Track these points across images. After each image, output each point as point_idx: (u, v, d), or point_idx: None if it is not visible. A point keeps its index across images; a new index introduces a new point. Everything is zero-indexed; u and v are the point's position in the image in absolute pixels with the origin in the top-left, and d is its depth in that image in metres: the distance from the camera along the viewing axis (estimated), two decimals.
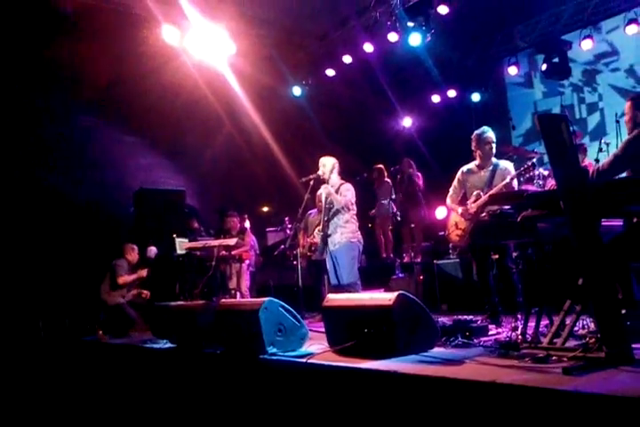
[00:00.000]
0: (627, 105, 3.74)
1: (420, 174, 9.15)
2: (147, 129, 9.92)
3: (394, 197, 9.29)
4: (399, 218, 9.19)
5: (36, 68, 8.79)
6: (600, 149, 6.62)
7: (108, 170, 9.74)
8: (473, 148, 5.22)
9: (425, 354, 3.46)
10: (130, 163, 10.23)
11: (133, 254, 7.53)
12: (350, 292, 5.21)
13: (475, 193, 5.06)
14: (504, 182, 4.83)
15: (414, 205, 8.94)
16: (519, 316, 3.98)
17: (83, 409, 5.35)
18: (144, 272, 7.40)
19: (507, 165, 5.18)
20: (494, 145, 5.15)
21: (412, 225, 8.87)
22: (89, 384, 5.73)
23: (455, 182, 5.36)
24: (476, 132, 5.21)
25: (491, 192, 4.80)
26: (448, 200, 5.41)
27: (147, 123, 9.76)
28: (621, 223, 3.50)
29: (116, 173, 9.88)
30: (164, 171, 10.59)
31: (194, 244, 7.40)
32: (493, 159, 5.20)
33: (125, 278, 7.25)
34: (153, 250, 7.97)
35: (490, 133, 5.13)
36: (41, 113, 9.12)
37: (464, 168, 5.32)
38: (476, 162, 5.23)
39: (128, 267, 7.41)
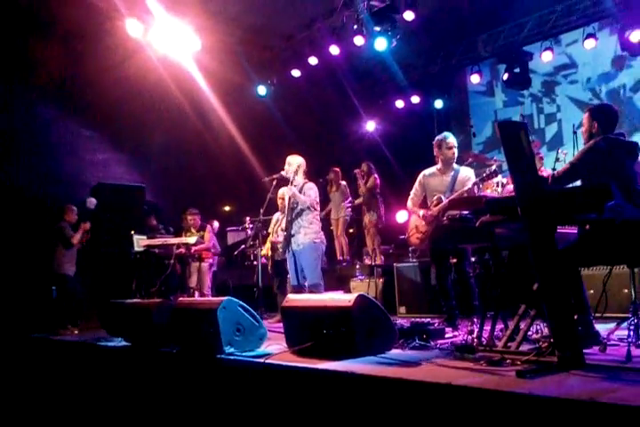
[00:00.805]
0: (584, 116, 3.84)
1: (376, 176, 9.16)
2: (108, 123, 9.74)
3: (349, 199, 9.34)
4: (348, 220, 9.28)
5: None
6: (557, 159, 6.74)
7: (66, 164, 9.53)
8: (435, 153, 5.32)
9: (383, 356, 3.49)
10: (88, 157, 10.03)
11: (72, 215, 7.38)
12: (313, 292, 5.21)
13: (435, 197, 5.13)
14: (466, 188, 4.91)
15: (372, 208, 8.96)
16: (475, 319, 4.05)
17: (33, 408, 5.21)
18: (87, 225, 7.28)
19: (468, 171, 5.28)
20: (456, 150, 5.25)
21: (371, 228, 8.88)
22: (40, 383, 5.59)
23: (416, 185, 5.42)
24: (438, 137, 5.31)
25: (452, 197, 4.88)
26: (409, 203, 5.47)
27: (109, 117, 9.58)
28: (575, 231, 3.60)
29: (74, 167, 9.67)
30: (124, 166, 10.41)
31: (152, 241, 7.31)
32: (454, 165, 5.29)
33: (76, 237, 7.19)
34: (92, 201, 7.98)
35: (451, 139, 5.23)
36: None
37: (426, 171, 5.39)
38: (438, 166, 5.31)
39: (70, 227, 7.31)
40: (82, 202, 8.65)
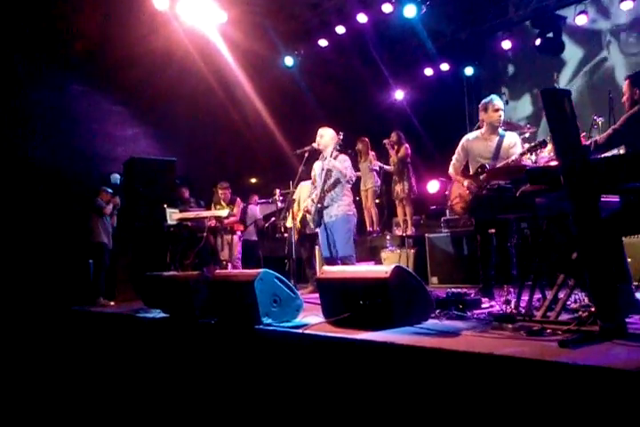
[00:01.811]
0: (625, 84, 3.74)
1: (407, 146, 9.06)
2: (136, 98, 9.77)
3: (378, 169, 9.25)
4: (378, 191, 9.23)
5: (20, 31, 8.57)
6: (592, 125, 6.64)
7: (97, 139, 9.63)
8: (480, 116, 5.05)
9: (420, 326, 3.49)
10: (118, 132, 10.11)
11: (106, 197, 7.85)
12: (346, 264, 5.22)
13: (479, 164, 4.85)
14: (512, 158, 4.63)
15: (403, 178, 8.86)
16: (512, 289, 4.02)
17: (74, 381, 5.37)
18: (116, 199, 7.87)
19: (513, 137, 5.00)
20: (502, 113, 4.97)
21: (403, 198, 8.80)
22: (81, 355, 5.75)
23: (459, 150, 5.14)
24: (484, 100, 5.02)
25: (498, 166, 4.67)
26: (451, 169, 5.20)
27: (136, 91, 9.61)
28: (617, 200, 3.53)
29: (104, 143, 9.77)
30: (153, 140, 10.48)
31: (185, 214, 7.37)
32: (500, 130, 5.02)
33: (108, 208, 7.76)
34: (116, 176, 8.34)
35: (498, 101, 4.95)
36: (24, 78, 8.94)
37: (469, 135, 5.14)
38: (482, 130, 5.05)
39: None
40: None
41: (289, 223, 6.89)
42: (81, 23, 8.55)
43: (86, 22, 8.57)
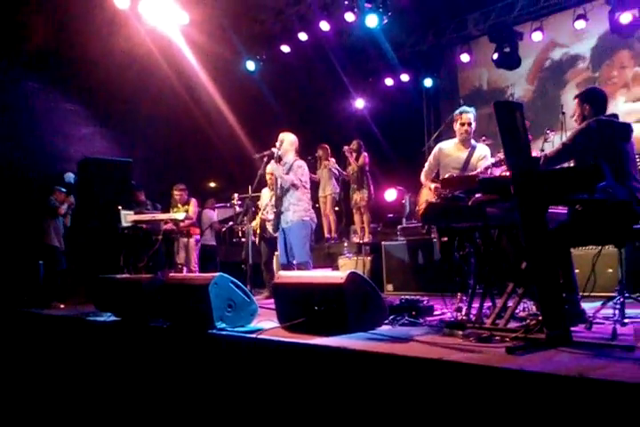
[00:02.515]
0: (575, 103, 3.88)
1: (366, 154, 9.10)
2: (94, 97, 9.62)
3: (337, 173, 9.30)
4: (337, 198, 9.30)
5: None
6: (545, 140, 6.84)
7: (51, 138, 9.41)
8: (454, 127, 5.08)
9: (373, 332, 3.53)
10: (73, 131, 9.91)
11: (60, 196, 7.89)
12: (302, 270, 5.23)
13: (448, 175, 4.86)
14: (477, 171, 4.67)
15: (362, 186, 8.94)
16: (464, 297, 4.10)
17: (21, 383, 5.22)
18: (70, 198, 7.91)
19: (484, 150, 5.05)
20: (474, 124, 4.99)
21: (362, 205, 8.88)
22: (30, 358, 5.59)
23: (431, 158, 5.18)
24: (457, 110, 5.07)
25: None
26: (422, 176, 5.23)
27: (94, 90, 9.45)
28: (565, 211, 3.65)
29: (58, 141, 9.56)
30: (110, 141, 10.32)
31: (140, 216, 7.27)
32: (472, 141, 5.07)
33: (62, 208, 7.81)
34: (70, 175, 8.42)
35: (466, 114, 4.97)
36: None
37: (442, 145, 5.17)
38: (456, 140, 5.08)
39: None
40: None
41: (254, 225, 6.88)
42: (38, 19, 8.36)
43: (44, 18, 8.39)
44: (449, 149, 5.09)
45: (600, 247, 3.46)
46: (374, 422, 2.73)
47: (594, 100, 3.76)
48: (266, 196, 6.88)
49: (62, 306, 6.86)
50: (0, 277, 7.74)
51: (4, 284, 7.61)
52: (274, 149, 5.69)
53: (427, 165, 5.22)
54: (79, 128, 10.03)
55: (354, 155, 9.04)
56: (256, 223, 6.84)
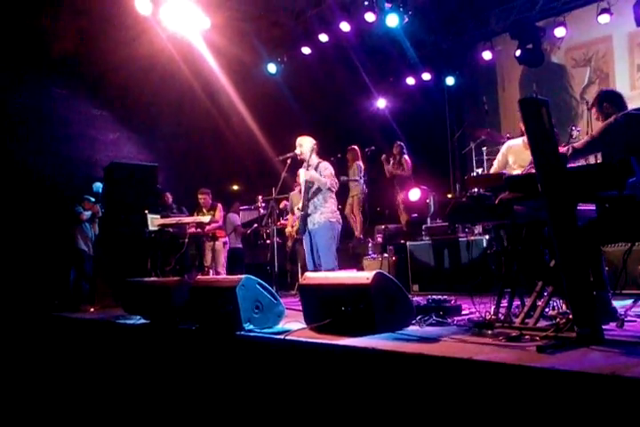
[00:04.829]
0: (593, 111, 3.86)
1: (407, 158, 9.23)
2: (118, 102, 9.74)
3: (364, 178, 9.32)
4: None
5: (3, 37, 8.51)
6: (571, 136, 6.74)
7: (78, 143, 9.56)
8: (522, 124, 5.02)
9: (401, 332, 3.52)
10: (100, 136, 10.06)
11: (88, 204, 8.11)
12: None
13: (515, 173, 4.66)
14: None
15: (402, 189, 9.03)
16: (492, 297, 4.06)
17: (55, 387, 5.31)
18: (96, 207, 8.10)
19: None
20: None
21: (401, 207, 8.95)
22: (61, 362, 5.68)
23: (499, 157, 5.08)
24: None
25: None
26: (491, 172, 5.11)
27: (119, 96, 9.58)
28: (593, 208, 3.60)
29: (85, 146, 9.71)
30: (135, 145, 10.44)
31: (166, 220, 7.36)
32: None
33: (84, 214, 8.04)
34: (98, 184, 8.51)
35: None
36: (4, 81, 8.87)
37: (511, 142, 5.06)
38: (524, 138, 4.75)
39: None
40: (94, 181, 8.72)
41: (288, 229, 6.92)
42: (63, 26, 8.51)
43: (68, 25, 8.53)
44: (517, 146, 4.98)
45: (631, 244, 3.41)
46: (404, 423, 2.72)
47: (609, 98, 3.76)
48: (296, 199, 6.89)
49: (92, 309, 6.98)
50: (32, 282, 7.90)
51: (36, 288, 7.76)
52: (297, 152, 5.71)
53: (495, 162, 5.13)
54: (106, 133, 10.17)
55: (397, 158, 9.17)
56: (293, 227, 6.82)
